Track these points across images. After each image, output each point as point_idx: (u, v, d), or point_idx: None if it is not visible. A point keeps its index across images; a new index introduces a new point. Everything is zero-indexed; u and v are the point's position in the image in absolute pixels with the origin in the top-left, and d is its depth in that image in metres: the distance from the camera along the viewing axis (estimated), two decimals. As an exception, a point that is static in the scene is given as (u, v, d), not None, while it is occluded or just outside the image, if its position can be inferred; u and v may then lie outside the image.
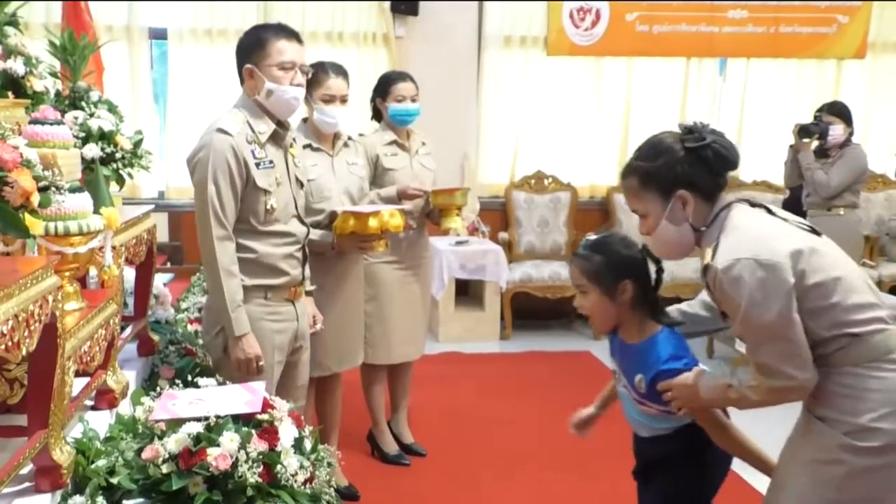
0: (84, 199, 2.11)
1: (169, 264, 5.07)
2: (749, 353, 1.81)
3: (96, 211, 2.20)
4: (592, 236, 2.10)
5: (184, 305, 3.64)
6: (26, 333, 1.64)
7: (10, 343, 1.55)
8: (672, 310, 2.18)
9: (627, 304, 2.04)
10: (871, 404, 1.73)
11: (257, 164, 2.57)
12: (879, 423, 1.73)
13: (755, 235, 1.80)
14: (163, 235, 5.29)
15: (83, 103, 2.94)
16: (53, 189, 1.74)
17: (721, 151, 1.86)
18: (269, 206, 2.60)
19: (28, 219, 1.85)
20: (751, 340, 1.80)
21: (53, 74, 2.97)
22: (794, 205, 5.98)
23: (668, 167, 1.86)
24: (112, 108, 3.07)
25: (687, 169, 1.85)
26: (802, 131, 4.83)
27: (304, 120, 3.28)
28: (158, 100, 6.19)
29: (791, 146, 4.93)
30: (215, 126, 2.56)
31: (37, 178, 1.64)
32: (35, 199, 1.61)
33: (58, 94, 2.96)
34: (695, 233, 1.91)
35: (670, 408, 2.01)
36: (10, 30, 2.66)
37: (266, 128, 2.61)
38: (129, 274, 2.93)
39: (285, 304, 2.73)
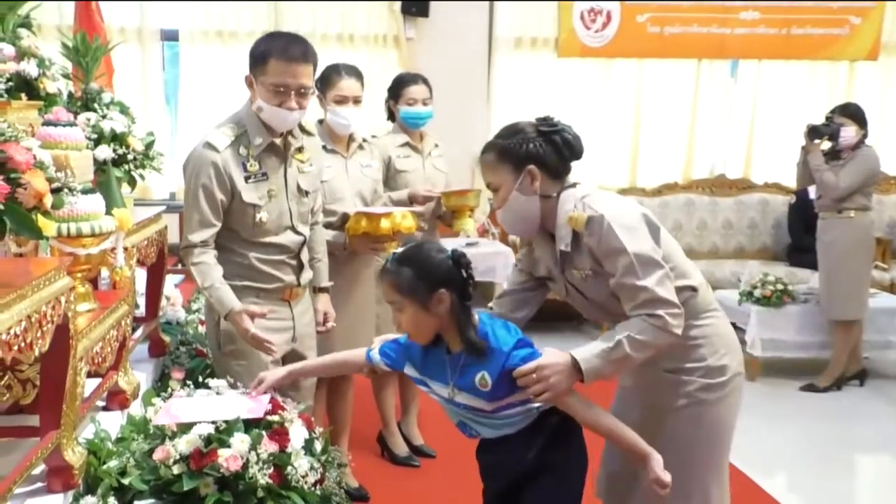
0: (96, 201, 2.12)
1: (180, 265, 5.07)
2: (634, 297, 1.94)
3: (108, 212, 2.21)
4: (400, 249, 2.00)
5: (195, 307, 3.65)
6: (39, 334, 1.65)
7: (22, 344, 1.56)
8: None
9: (446, 314, 1.90)
10: (712, 348, 2.10)
11: (247, 178, 2.52)
12: (723, 360, 2.10)
13: (621, 198, 2.12)
14: (173, 237, 5.24)
15: (95, 105, 2.95)
16: (66, 191, 1.75)
17: (569, 139, 2.07)
18: (257, 220, 2.55)
19: (41, 220, 1.86)
20: (638, 279, 1.92)
21: (66, 76, 2.97)
22: (801, 208, 5.96)
23: (522, 144, 2.05)
24: (124, 110, 3.08)
25: (538, 148, 2.05)
26: (813, 132, 4.79)
27: (320, 121, 3.28)
28: (170, 101, 6.21)
29: (802, 147, 4.90)
30: (205, 139, 2.53)
31: (50, 180, 1.65)
32: (48, 200, 1.62)
33: (70, 95, 2.97)
34: (542, 205, 2.06)
35: (527, 396, 1.91)
36: (23, 31, 2.66)
37: (261, 140, 2.55)
38: (141, 275, 2.94)
39: (280, 304, 2.67)
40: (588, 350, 1.96)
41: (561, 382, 1.90)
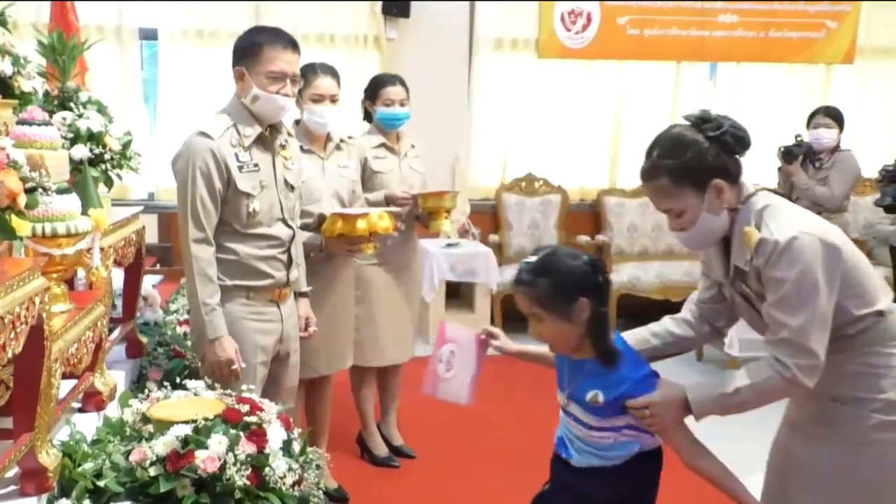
0: (72, 201, 2.10)
1: (158, 266, 5.04)
2: (776, 332, 1.79)
3: (84, 212, 2.19)
4: (533, 258, 1.90)
5: (173, 307, 3.62)
6: (12, 336, 1.62)
7: (-6, 345, 1.54)
8: (642, 330, 2.11)
9: (586, 322, 1.85)
10: None
11: (240, 168, 2.55)
12: None
13: (808, 217, 1.85)
14: (152, 237, 5.24)
15: (72, 104, 2.91)
16: (41, 190, 1.72)
17: (738, 134, 1.86)
18: (251, 210, 2.58)
19: (15, 220, 1.83)
20: (786, 316, 1.76)
21: (41, 74, 2.93)
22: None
23: (699, 159, 1.83)
24: (101, 109, 3.04)
25: (716, 157, 1.83)
26: (787, 155, 4.80)
27: (297, 122, 3.26)
28: (149, 101, 6.16)
29: (779, 169, 4.94)
30: (197, 129, 2.56)
31: (23, 179, 1.63)
32: (21, 200, 1.60)
33: (46, 94, 2.93)
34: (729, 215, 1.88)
35: (637, 423, 1.88)
36: None
37: (252, 131, 2.59)
38: (119, 276, 2.91)
39: (269, 304, 2.70)
40: (703, 392, 1.86)
41: (669, 419, 1.85)
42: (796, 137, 4.88)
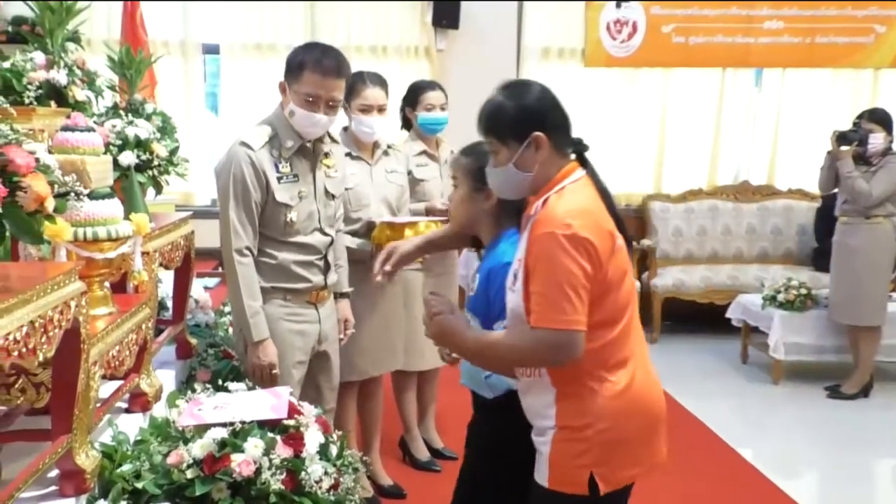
0: (114, 206, 2.03)
1: (220, 269, 4.99)
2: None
3: (127, 217, 2.12)
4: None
5: (227, 309, 3.55)
6: (44, 339, 1.54)
7: (24, 349, 1.46)
8: None
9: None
10: None
11: (279, 179, 2.50)
12: None
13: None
14: (214, 241, 5.21)
15: (139, 114, 2.90)
16: (73, 195, 1.64)
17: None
18: (288, 220, 2.52)
19: (58, 224, 1.76)
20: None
21: (111, 88, 2.94)
22: (828, 212, 5.71)
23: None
24: (165, 119, 3.03)
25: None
26: (841, 138, 4.56)
27: (345, 129, 3.17)
28: (218, 112, 6.16)
29: (829, 152, 4.67)
30: (239, 139, 2.51)
31: (53, 184, 1.54)
32: (49, 204, 1.51)
33: (115, 105, 2.94)
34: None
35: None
36: (70, 45, 2.63)
37: (293, 143, 2.52)
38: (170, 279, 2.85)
39: (306, 306, 2.64)
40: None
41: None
42: (854, 123, 4.60)
